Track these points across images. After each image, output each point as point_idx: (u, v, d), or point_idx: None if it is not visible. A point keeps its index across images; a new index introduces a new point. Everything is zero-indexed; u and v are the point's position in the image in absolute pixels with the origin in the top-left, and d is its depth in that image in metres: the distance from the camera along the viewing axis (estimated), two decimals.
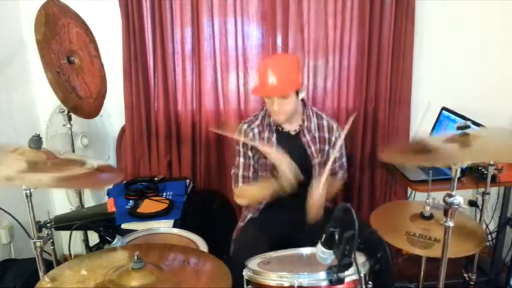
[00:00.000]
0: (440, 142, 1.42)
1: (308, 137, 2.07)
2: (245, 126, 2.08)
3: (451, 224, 1.40)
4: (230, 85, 2.63)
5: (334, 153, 1.97)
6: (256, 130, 2.06)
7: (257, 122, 2.08)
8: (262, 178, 2.08)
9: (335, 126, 2.12)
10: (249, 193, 2.06)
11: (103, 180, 1.54)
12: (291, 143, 2.05)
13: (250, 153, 2.06)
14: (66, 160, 1.46)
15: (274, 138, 2.05)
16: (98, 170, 1.46)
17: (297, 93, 1.94)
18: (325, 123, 2.10)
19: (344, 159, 2.17)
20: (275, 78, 1.87)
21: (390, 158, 1.56)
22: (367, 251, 1.51)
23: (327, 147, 2.10)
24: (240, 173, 2.07)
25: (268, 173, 2.06)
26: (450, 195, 1.39)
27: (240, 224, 2.16)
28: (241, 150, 2.06)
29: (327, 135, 2.09)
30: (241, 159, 2.07)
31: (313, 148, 2.07)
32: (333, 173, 2.14)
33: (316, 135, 2.08)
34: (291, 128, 2.07)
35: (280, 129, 2.06)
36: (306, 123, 2.06)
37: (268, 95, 1.93)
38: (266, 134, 2.05)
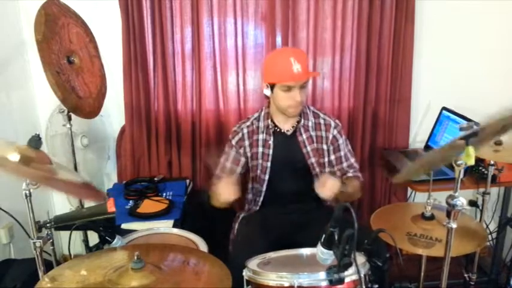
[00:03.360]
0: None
1: (304, 136, 2.06)
2: (235, 127, 2.10)
3: (454, 226, 1.40)
4: (230, 85, 2.62)
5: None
6: (245, 130, 2.06)
7: (247, 123, 2.08)
8: (259, 193, 2.08)
9: (332, 123, 2.09)
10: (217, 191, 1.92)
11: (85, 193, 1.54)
12: (287, 143, 2.05)
13: (234, 156, 2.05)
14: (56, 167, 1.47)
15: (271, 141, 2.05)
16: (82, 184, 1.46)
17: None
18: (321, 121, 2.10)
19: (352, 160, 2.12)
20: (299, 65, 1.87)
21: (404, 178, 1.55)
22: (374, 252, 1.50)
23: (325, 146, 2.08)
24: (216, 172, 2.04)
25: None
26: (453, 197, 1.38)
27: (234, 224, 2.16)
28: (226, 151, 2.07)
29: (324, 133, 2.08)
30: (222, 160, 2.05)
31: (309, 148, 2.06)
32: (342, 174, 2.11)
33: (313, 134, 2.07)
34: (287, 127, 2.07)
35: (277, 130, 2.06)
36: (302, 121, 2.05)
37: (299, 79, 1.90)
38: (262, 136, 2.05)
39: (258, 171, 2.07)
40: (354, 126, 2.68)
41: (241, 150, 2.05)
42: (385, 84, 2.61)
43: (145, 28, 2.53)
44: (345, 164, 2.10)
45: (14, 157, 1.33)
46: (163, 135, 2.65)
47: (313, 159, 2.06)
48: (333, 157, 2.10)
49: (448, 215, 1.39)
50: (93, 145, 2.60)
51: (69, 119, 2.29)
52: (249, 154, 2.07)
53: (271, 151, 2.04)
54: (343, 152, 2.10)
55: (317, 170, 2.07)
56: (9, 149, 1.36)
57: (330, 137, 2.08)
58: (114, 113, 2.68)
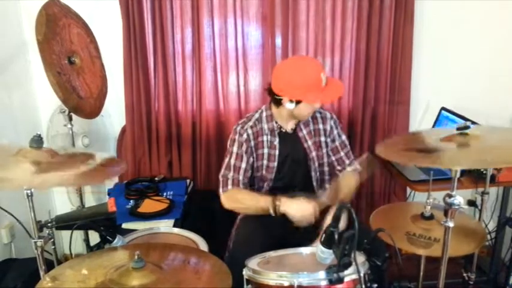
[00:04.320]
0: (438, 140, 1.43)
1: (305, 131, 2.08)
2: (239, 127, 2.06)
3: (451, 225, 1.40)
4: (230, 85, 2.63)
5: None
6: (250, 131, 2.04)
7: (250, 123, 2.06)
8: (261, 191, 2.06)
9: (328, 115, 2.12)
10: (240, 198, 1.99)
11: (110, 172, 1.54)
12: (290, 141, 2.07)
13: (245, 156, 2.02)
14: (69, 157, 1.46)
15: (276, 142, 2.05)
16: (102, 166, 1.46)
17: None
18: (318, 114, 2.11)
19: (349, 147, 2.15)
20: (325, 76, 1.86)
21: (388, 154, 1.52)
22: (373, 251, 1.51)
23: (322, 138, 2.10)
24: (231, 174, 2.01)
25: (267, 189, 2.07)
26: (450, 196, 1.39)
27: (237, 222, 2.17)
28: (235, 151, 2.03)
29: (321, 126, 2.10)
30: (232, 161, 2.02)
31: (310, 142, 2.08)
32: (340, 164, 2.12)
33: (312, 128, 2.09)
34: (290, 126, 2.08)
35: (282, 130, 2.07)
36: None
37: (333, 98, 2.02)
38: (267, 138, 2.05)
39: (264, 172, 2.07)
40: (353, 126, 2.69)
41: (249, 150, 2.04)
42: (385, 84, 2.62)
43: (146, 28, 2.54)
44: (342, 153, 2.12)
45: (28, 167, 1.32)
46: (164, 135, 2.65)
47: (313, 153, 2.08)
48: (330, 147, 2.12)
49: (446, 213, 1.40)
50: (94, 145, 2.61)
51: (70, 119, 2.30)
52: (254, 155, 2.07)
53: (277, 152, 2.05)
54: (339, 141, 2.12)
55: (316, 163, 2.10)
56: (16, 158, 1.36)
57: (328, 128, 2.10)
58: (114, 113, 2.68)
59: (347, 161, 2.12)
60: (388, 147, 1.53)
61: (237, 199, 2.00)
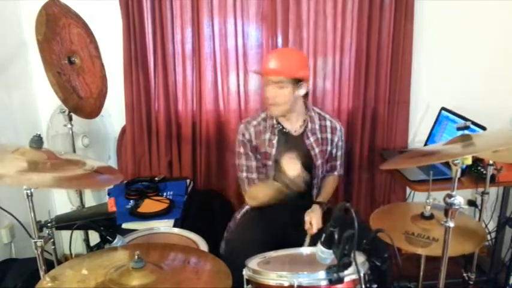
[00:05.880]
0: (441, 146, 1.44)
1: (312, 139, 2.08)
2: (242, 126, 2.08)
3: (452, 225, 1.41)
4: (230, 85, 2.63)
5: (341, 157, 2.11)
6: (252, 129, 2.06)
7: (254, 122, 2.08)
8: (267, 179, 2.07)
9: (338, 126, 2.14)
10: (260, 194, 2.03)
11: (101, 181, 1.53)
12: (293, 144, 2.06)
13: (252, 155, 2.05)
14: (65, 161, 1.47)
15: (275, 141, 2.05)
16: (96, 172, 1.46)
17: (294, 88, 1.94)
18: (328, 123, 2.12)
19: (343, 158, 2.22)
20: (277, 62, 1.93)
21: (391, 166, 1.56)
22: (373, 252, 1.51)
23: (329, 148, 2.12)
24: (244, 175, 2.07)
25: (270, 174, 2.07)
26: (450, 196, 1.39)
27: (231, 224, 2.18)
28: (241, 152, 2.06)
29: (329, 135, 2.12)
30: (242, 162, 2.07)
31: (317, 150, 2.08)
32: (332, 169, 2.19)
33: (319, 136, 2.10)
34: (292, 127, 2.07)
35: (283, 130, 2.07)
36: (309, 125, 2.07)
37: (265, 74, 1.97)
38: (268, 136, 2.06)
39: (264, 170, 2.08)
40: (353, 126, 2.69)
41: (253, 149, 2.06)
42: (385, 85, 2.62)
43: (146, 28, 2.53)
44: (338, 162, 2.19)
45: (21, 165, 1.32)
46: (164, 135, 2.65)
47: (319, 161, 2.09)
48: (331, 155, 2.16)
49: (446, 213, 1.40)
50: (94, 145, 2.61)
51: (70, 119, 2.30)
52: (259, 152, 2.08)
53: (274, 150, 2.05)
54: (340, 152, 2.18)
55: (320, 171, 2.12)
56: (12, 156, 1.37)
57: (335, 139, 2.13)
58: (114, 113, 2.68)
59: (338, 168, 2.20)
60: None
61: (256, 195, 2.06)
